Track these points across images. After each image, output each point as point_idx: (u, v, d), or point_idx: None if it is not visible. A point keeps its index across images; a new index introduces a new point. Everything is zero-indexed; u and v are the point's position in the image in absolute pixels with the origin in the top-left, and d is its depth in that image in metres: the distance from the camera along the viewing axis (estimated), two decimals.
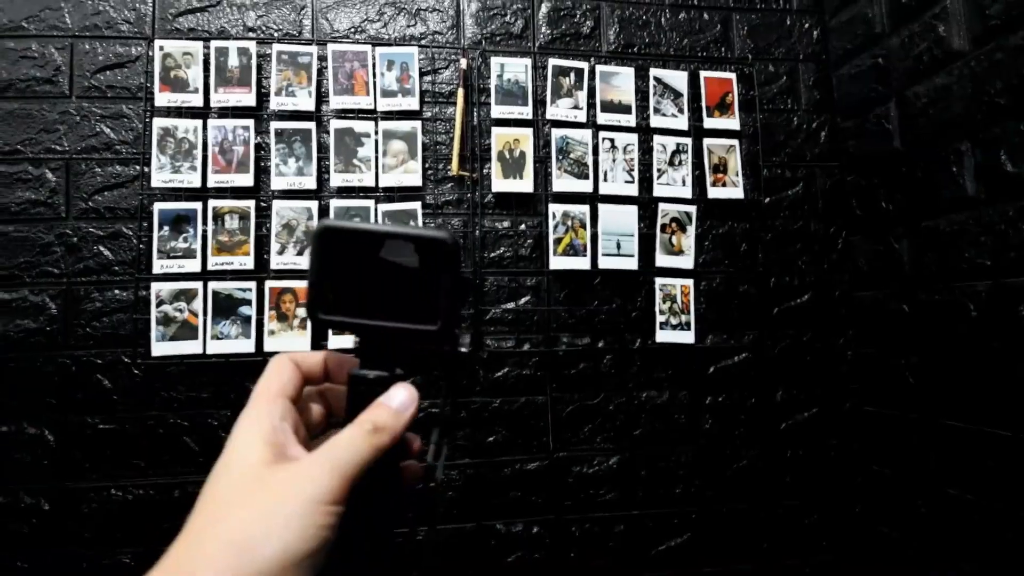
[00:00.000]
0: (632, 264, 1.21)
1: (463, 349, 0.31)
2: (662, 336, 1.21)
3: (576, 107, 1.23)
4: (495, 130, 1.20)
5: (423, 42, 1.24)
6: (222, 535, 0.26)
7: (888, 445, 1.19)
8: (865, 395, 1.25)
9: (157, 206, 1.11)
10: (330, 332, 1.11)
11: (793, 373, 1.26)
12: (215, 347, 1.09)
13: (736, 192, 1.26)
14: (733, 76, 1.29)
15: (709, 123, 1.27)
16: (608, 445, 1.20)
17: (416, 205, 1.17)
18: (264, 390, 0.31)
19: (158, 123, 1.13)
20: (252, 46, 1.16)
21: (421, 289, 0.32)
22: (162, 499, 1.09)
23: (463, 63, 1.21)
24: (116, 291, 1.12)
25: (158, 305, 1.09)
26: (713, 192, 1.25)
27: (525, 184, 1.20)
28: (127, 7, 1.18)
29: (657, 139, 1.25)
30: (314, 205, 1.14)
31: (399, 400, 0.32)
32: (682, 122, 1.26)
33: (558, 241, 1.19)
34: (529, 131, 1.21)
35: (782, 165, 1.31)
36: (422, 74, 1.22)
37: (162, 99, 1.14)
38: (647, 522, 1.19)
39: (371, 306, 0.32)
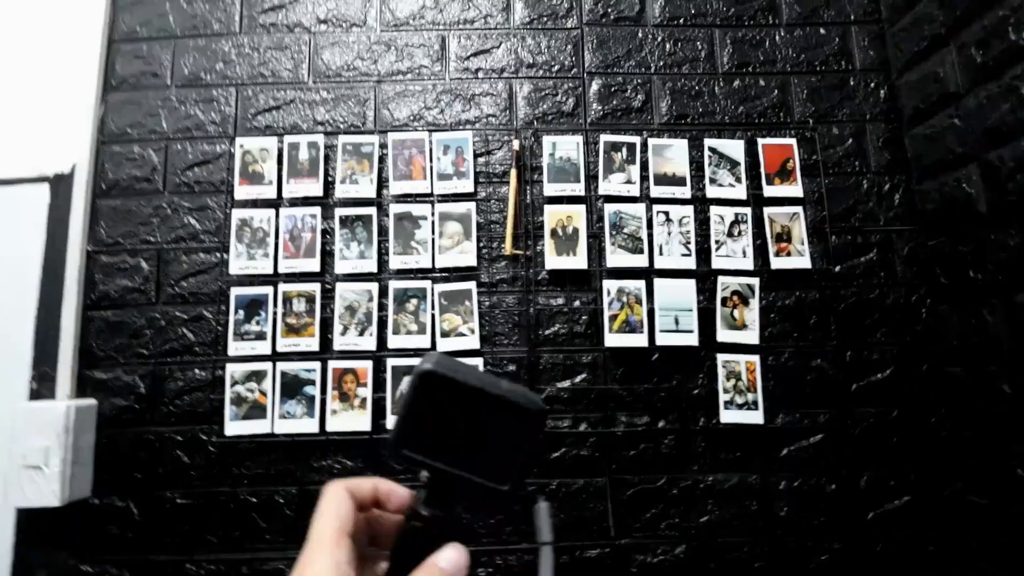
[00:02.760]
0: (692, 340, 1.16)
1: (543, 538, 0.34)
2: (727, 416, 1.14)
3: (629, 181, 1.23)
4: (548, 208, 1.22)
5: (477, 125, 1.29)
6: None
7: (997, 540, 1.05)
8: (967, 483, 1.12)
9: (234, 291, 1.20)
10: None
11: (879, 456, 1.16)
12: (282, 427, 1.14)
13: (803, 261, 1.20)
14: (793, 141, 1.25)
15: (769, 191, 1.23)
16: (673, 532, 1.14)
17: (471, 284, 1.19)
18: (327, 529, 0.32)
19: (236, 214, 1.23)
20: (320, 139, 1.25)
21: (500, 448, 0.34)
22: (231, 574, 1.13)
23: (515, 144, 1.24)
24: (196, 371, 1.20)
25: (232, 385, 1.15)
26: (777, 262, 1.20)
27: (579, 260, 1.20)
28: (214, 110, 1.31)
29: (714, 210, 1.22)
30: (374, 287, 1.19)
31: (451, 562, 0.32)
32: (740, 191, 1.23)
33: (613, 318, 1.17)
34: (582, 207, 1.22)
35: (852, 231, 1.24)
36: (476, 156, 1.27)
37: (241, 192, 1.24)
38: None
39: (451, 451, 0.34)
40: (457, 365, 0.35)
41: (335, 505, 0.33)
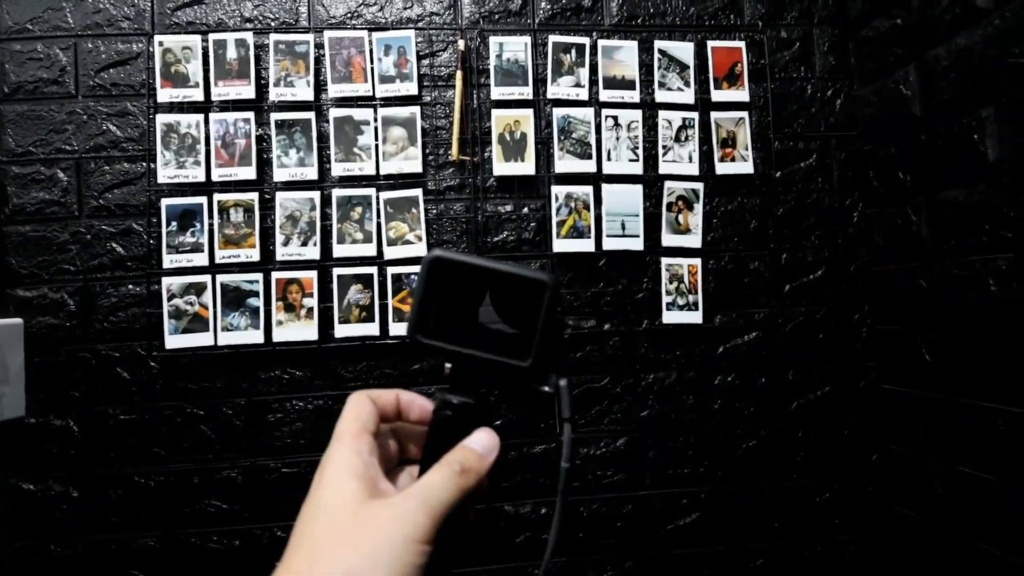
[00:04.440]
0: (637, 245, 1.18)
1: (546, 389, 0.34)
2: (669, 317, 1.19)
3: (578, 85, 1.20)
4: (495, 112, 1.18)
5: (420, 24, 1.22)
6: (325, 570, 0.27)
7: (905, 423, 1.16)
8: (882, 373, 1.22)
9: (164, 202, 1.13)
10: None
11: (806, 351, 1.23)
12: (225, 338, 1.12)
13: (746, 167, 1.22)
14: (742, 45, 1.24)
15: (717, 96, 1.22)
16: (616, 427, 1.20)
17: (417, 192, 1.16)
18: (348, 427, 0.32)
19: (161, 119, 1.14)
20: (249, 37, 1.16)
21: (517, 325, 0.34)
22: (182, 484, 1.13)
23: (461, 44, 1.18)
24: (130, 286, 1.15)
25: (169, 299, 1.11)
26: (721, 168, 1.21)
27: (527, 166, 1.18)
28: (126, 3, 1.18)
29: (662, 115, 1.21)
30: (316, 195, 1.15)
31: (483, 444, 0.33)
32: (688, 96, 1.22)
33: (561, 223, 1.17)
34: (530, 112, 1.19)
35: (795, 136, 1.26)
36: (420, 57, 1.20)
37: (164, 95, 1.15)
38: (655, 503, 1.19)
39: (468, 335, 0.34)
40: (463, 252, 0.35)
41: (356, 407, 0.33)
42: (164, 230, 1.13)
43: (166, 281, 1.12)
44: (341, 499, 0.29)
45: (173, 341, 1.11)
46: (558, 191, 1.18)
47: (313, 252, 1.14)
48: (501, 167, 1.18)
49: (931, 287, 1.08)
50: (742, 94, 1.23)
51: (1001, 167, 0.92)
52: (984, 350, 0.96)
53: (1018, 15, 0.88)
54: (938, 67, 1.04)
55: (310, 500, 0.30)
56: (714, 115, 1.22)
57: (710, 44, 1.23)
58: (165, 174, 1.13)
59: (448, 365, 0.35)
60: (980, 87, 0.95)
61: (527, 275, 0.33)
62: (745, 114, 1.23)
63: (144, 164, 1.16)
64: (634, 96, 1.21)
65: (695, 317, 1.19)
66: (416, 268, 1.15)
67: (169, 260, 1.12)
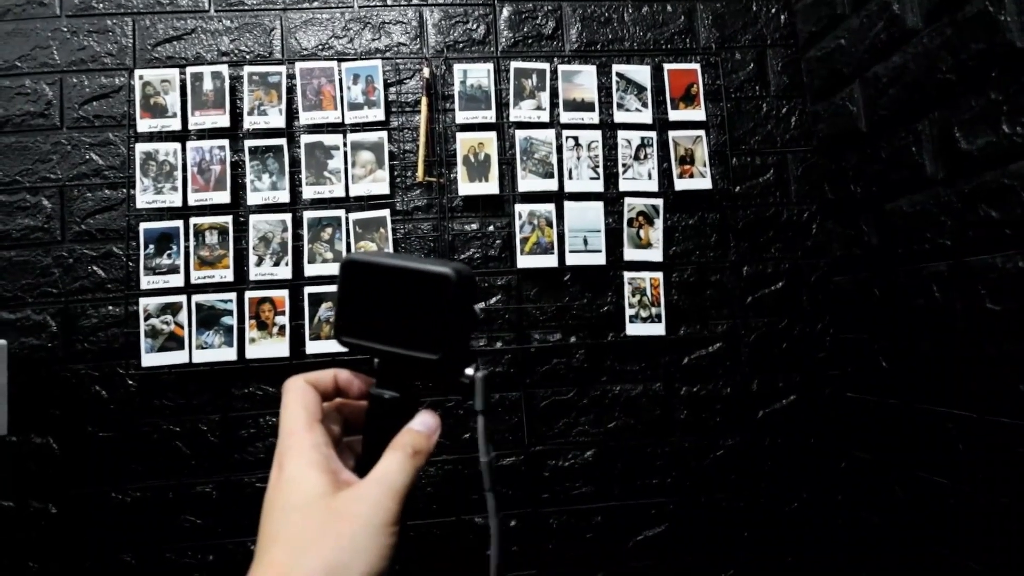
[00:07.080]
0: (600, 259, 1.22)
1: (464, 380, 0.36)
2: (632, 329, 1.22)
3: (539, 108, 1.25)
4: (460, 135, 1.23)
5: (387, 54, 1.28)
6: (310, 564, 0.28)
7: (868, 431, 1.17)
8: (845, 381, 1.24)
9: (143, 226, 1.18)
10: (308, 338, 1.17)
11: (770, 361, 1.26)
12: (200, 356, 1.15)
13: (704, 183, 1.26)
14: (697, 67, 1.29)
15: (674, 115, 1.27)
16: (583, 438, 1.22)
17: (385, 212, 1.21)
18: (297, 420, 0.33)
19: (140, 148, 1.20)
20: (224, 69, 1.22)
21: (424, 320, 0.35)
22: (158, 500, 1.16)
23: (426, 72, 1.24)
24: (109, 307, 1.19)
25: (146, 319, 1.15)
26: (680, 184, 1.25)
27: (491, 186, 1.23)
28: (110, 41, 1.25)
29: (621, 134, 1.25)
30: (288, 217, 1.20)
31: (428, 425, 0.36)
32: (646, 116, 1.26)
33: (524, 240, 1.21)
34: (493, 134, 1.24)
35: (751, 152, 1.30)
36: (387, 85, 1.26)
37: (143, 125, 1.20)
38: (624, 514, 1.20)
39: (386, 332, 0.35)
40: (381, 253, 0.36)
41: (299, 396, 0.34)
42: (142, 253, 1.17)
43: (143, 302, 1.16)
44: (310, 495, 0.30)
45: (149, 359, 1.15)
46: (521, 209, 1.22)
47: (285, 272, 1.18)
48: (466, 187, 1.22)
49: (883, 295, 1.10)
50: (699, 113, 1.28)
51: (936, 177, 0.96)
52: (932, 355, 0.99)
53: (942, 33, 0.93)
54: (878, 84, 1.08)
55: (276, 498, 0.31)
56: (672, 134, 1.26)
57: (666, 67, 1.28)
58: (144, 199, 1.18)
59: (376, 361, 0.36)
60: (915, 102, 0.99)
61: (430, 270, 0.34)
62: (702, 132, 1.27)
63: (124, 191, 1.21)
64: (593, 117, 1.26)
65: (658, 329, 1.22)
66: None
67: (146, 281, 1.17)
